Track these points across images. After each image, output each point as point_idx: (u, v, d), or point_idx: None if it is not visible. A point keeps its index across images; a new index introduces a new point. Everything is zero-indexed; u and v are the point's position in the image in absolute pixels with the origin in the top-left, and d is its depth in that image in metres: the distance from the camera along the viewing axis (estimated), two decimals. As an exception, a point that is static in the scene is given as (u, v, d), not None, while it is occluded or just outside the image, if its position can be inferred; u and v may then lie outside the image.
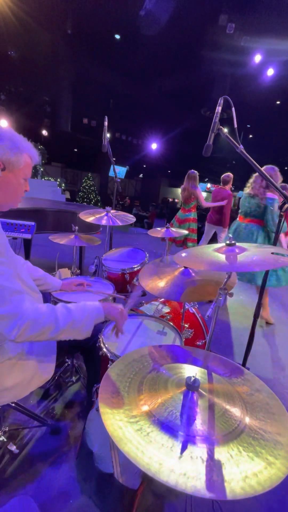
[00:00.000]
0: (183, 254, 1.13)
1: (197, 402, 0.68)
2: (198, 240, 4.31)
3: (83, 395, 1.67)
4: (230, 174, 4.21)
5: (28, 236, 2.22)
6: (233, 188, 3.44)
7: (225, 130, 1.18)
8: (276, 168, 2.57)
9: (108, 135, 2.13)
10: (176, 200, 24.67)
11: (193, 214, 4.11)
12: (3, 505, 0.86)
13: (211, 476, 0.51)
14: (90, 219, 1.96)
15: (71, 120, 13.55)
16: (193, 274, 1.35)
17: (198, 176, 4.04)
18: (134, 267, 1.92)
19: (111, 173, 2.45)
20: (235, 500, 0.47)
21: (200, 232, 4.39)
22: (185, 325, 1.70)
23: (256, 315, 1.59)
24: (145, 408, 0.66)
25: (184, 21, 8.16)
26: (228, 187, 4.20)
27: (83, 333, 0.96)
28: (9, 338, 0.83)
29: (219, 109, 1.15)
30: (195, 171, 4.07)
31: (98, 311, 1.01)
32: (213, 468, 0.53)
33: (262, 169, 2.75)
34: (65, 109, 13.28)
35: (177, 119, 13.63)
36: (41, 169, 9.90)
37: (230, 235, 1.13)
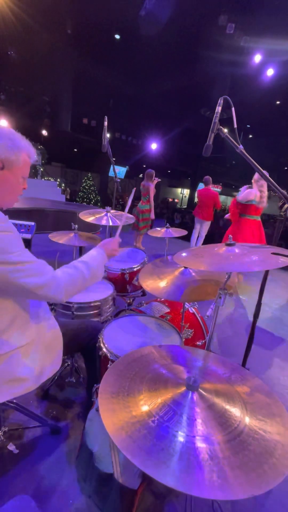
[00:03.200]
0: (183, 254, 1.13)
1: (197, 402, 0.68)
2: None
3: (83, 395, 1.67)
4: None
5: (28, 236, 2.22)
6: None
7: (225, 130, 1.18)
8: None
9: (108, 135, 2.13)
10: (176, 200, 24.71)
11: (148, 206, 5.26)
12: (3, 505, 0.86)
13: (211, 476, 0.51)
14: (90, 219, 1.96)
15: (71, 120, 13.53)
16: (193, 274, 1.35)
17: (154, 174, 5.16)
18: (134, 267, 1.92)
19: (111, 173, 2.46)
20: (235, 500, 0.47)
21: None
22: (185, 325, 1.70)
23: (256, 315, 1.59)
24: (145, 408, 0.66)
25: (184, 21, 8.15)
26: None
27: (99, 276, 1.14)
28: (60, 299, 0.98)
29: (219, 109, 1.15)
30: (152, 170, 5.16)
31: (103, 256, 1.18)
32: (213, 468, 0.53)
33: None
34: (65, 109, 13.27)
35: (177, 119, 13.63)
36: (41, 169, 9.89)
37: (230, 236, 1.13)
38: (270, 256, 0.92)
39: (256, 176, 3.40)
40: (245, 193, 3.45)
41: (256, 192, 3.38)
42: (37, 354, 1.05)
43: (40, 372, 1.05)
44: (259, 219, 3.54)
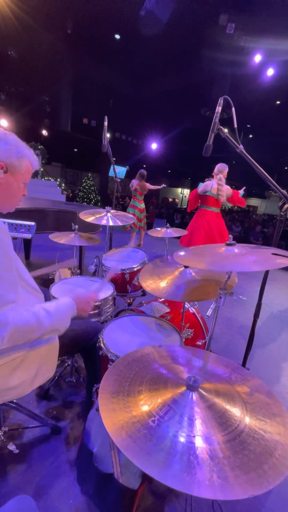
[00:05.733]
0: (183, 253, 1.13)
1: (197, 402, 0.68)
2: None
3: (83, 395, 1.67)
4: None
5: (28, 236, 2.22)
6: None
7: (225, 130, 1.18)
8: None
9: (108, 135, 2.13)
10: (176, 200, 24.71)
11: (144, 205, 5.70)
12: (3, 505, 0.85)
13: (211, 476, 0.51)
14: (90, 219, 1.96)
15: (71, 120, 13.52)
16: (193, 274, 1.35)
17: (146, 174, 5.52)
18: (134, 267, 1.92)
19: (111, 173, 2.45)
20: (235, 500, 0.47)
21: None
22: (185, 325, 1.70)
23: (256, 315, 1.58)
24: (145, 408, 0.66)
25: (184, 21, 8.14)
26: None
27: (62, 330, 1.03)
28: None
29: (219, 109, 1.16)
30: (145, 171, 5.50)
31: (73, 309, 1.08)
32: (213, 468, 0.53)
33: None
34: (65, 109, 13.25)
35: (177, 119, 13.61)
36: (41, 169, 9.89)
37: (231, 236, 1.13)
38: (270, 257, 0.92)
39: (215, 170, 3.62)
40: (203, 185, 3.71)
41: (213, 184, 3.61)
42: (32, 364, 1.04)
43: (33, 379, 1.05)
44: (217, 211, 3.78)
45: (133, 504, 0.95)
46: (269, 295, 3.98)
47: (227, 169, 3.62)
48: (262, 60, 8.68)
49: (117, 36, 9.54)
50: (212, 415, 0.65)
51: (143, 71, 10.94)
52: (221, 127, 1.17)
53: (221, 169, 3.58)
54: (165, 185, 5.67)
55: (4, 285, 0.87)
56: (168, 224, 2.17)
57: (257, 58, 8.63)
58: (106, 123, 2.11)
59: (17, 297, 0.94)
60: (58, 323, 0.99)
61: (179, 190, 26.11)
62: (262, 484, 0.50)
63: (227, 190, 3.64)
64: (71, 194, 12.84)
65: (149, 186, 5.59)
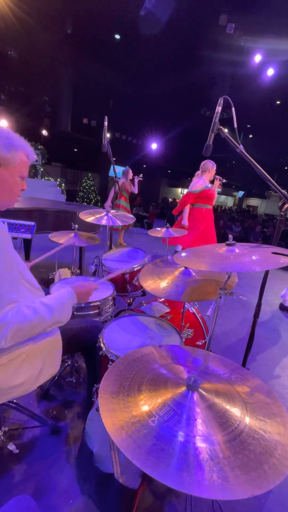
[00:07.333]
0: (183, 254, 1.14)
1: (197, 402, 0.68)
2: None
3: (83, 395, 1.67)
4: None
5: (28, 236, 2.22)
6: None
7: (225, 130, 1.18)
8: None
9: (108, 135, 2.13)
10: (176, 200, 24.71)
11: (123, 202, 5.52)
12: (3, 505, 0.85)
13: (211, 476, 0.51)
14: (90, 219, 1.96)
15: (71, 120, 13.51)
16: (193, 274, 1.35)
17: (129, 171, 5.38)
18: (134, 267, 1.92)
19: (111, 173, 2.45)
20: (235, 500, 0.47)
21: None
22: (185, 325, 1.71)
23: (256, 315, 1.58)
24: (145, 408, 0.66)
25: (184, 21, 8.13)
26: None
27: (64, 321, 1.04)
28: None
29: (219, 109, 1.16)
30: (129, 167, 5.39)
31: (73, 298, 1.08)
32: (213, 468, 0.53)
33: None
34: (65, 109, 13.24)
35: (177, 119, 13.61)
36: (41, 169, 9.88)
37: (231, 236, 1.13)
38: (270, 256, 0.92)
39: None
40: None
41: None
42: (36, 360, 1.04)
43: (38, 376, 1.05)
44: (201, 207, 3.93)
45: (133, 504, 0.95)
46: (269, 295, 3.98)
47: (207, 165, 3.81)
48: (262, 60, 8.67)
49: (117, 36, 9.53)
50: (212, 415, 0.65)
51: (143, 71, 10.93)
52: (221, 127, 1.17)
53: (202, 167, 3.85)
54: (140, 178, 5.40)
55: (6, 285, 0.87)
56: (168, 224, 2.17)
57: (257, 58, 8.62)
58: (106, 123, 2.11)
59: (20, 296, 0.94)
60: (60, 315, 1.00)
61: (179, 190, 26.10)
62: (262, 484, 0.50)
63: (200, 185, 3.74)
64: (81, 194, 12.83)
65: (130, 185, 5.34)
